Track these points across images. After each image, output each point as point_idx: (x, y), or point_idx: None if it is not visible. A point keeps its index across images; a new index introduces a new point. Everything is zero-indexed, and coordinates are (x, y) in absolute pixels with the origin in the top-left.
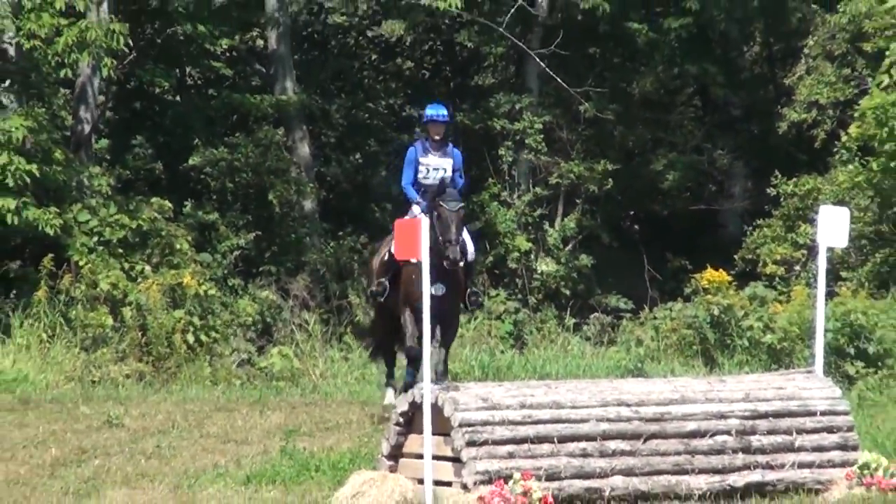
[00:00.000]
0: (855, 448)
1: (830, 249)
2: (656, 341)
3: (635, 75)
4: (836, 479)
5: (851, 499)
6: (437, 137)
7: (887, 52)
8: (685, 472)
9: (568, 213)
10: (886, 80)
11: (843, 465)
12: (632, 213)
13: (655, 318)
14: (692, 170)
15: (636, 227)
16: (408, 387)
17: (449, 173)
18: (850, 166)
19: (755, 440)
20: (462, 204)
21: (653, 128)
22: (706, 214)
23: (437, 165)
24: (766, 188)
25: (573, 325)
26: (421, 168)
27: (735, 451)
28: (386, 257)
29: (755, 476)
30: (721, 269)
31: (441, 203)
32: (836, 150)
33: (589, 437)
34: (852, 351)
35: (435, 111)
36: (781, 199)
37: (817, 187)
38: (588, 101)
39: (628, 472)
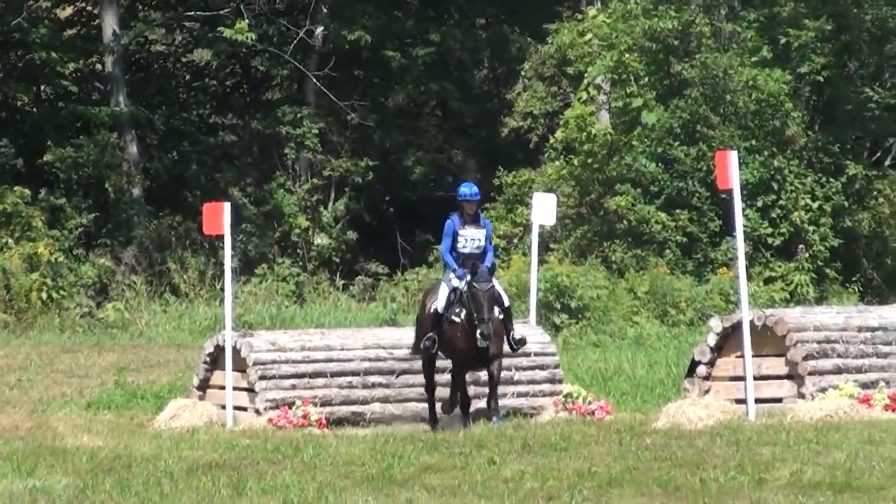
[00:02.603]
0: (560, 381)
1: (542, 226)
2: (407, 298)
3: (391, 92)
4: (546, 406)
5: (557, 420)
6: (470, 213)
7: (586, 75)
8: None
9: (338, 198)
10: (585, 96)
11: (552, 394)
12: (388, 198)
13: (406, 280)
14: (435, 165)
15: (391, 209)
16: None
17: (483, 242)
18: (557, 162)
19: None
20: (492, 283)
21: (404, 132)
22: (446, 199)
23: (473, 236)
24: (492, 179)
25: (342, 286)
26: (459, 239)
27: (468, 384)
28: (431, 310)
29: (483, 403)
30: None
31: (474, 284)
32: (545, 149)
33: (354, 373)
34: (558, 306)
35: (468, 190)
36: (503, 188)
37: (531, 179)
38: (354, 111)
39: (384, 400)
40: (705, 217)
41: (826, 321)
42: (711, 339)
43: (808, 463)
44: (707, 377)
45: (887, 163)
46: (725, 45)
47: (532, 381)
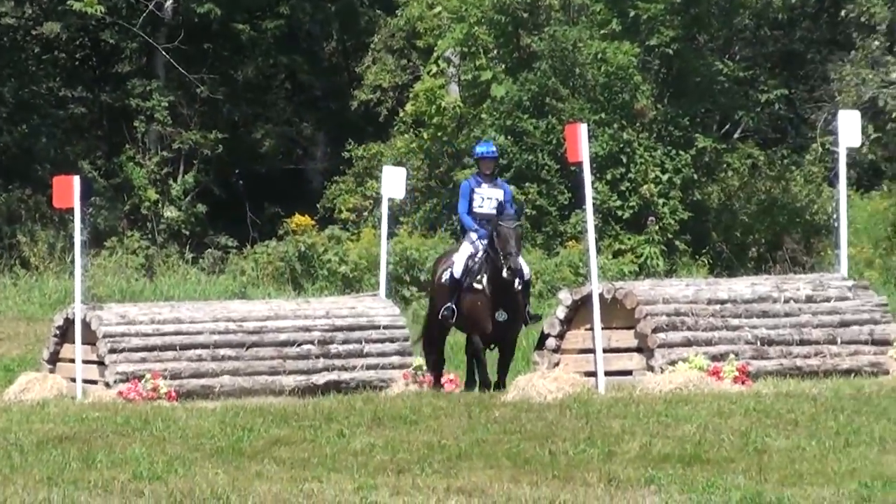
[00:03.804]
0: (410, 355)
1: (391, 200)
2: (256, 271)
3: (240, 64)
4: (396, 379)
5: (407, 393)
6: (487, 172)
7: (435, 48)
8: (279, 373)
9: (187, 171)
10: (435, 69)
11: (401, 367)
12: (237, 171)
13: (256, 252)
14: (284, 138)
15: (241, 182)
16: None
17: (501, 201)
18: (406, 135)
19: (333, 348)
20: (519, 223)
21: (254, 105)
22: (295, 172)
23: (489, 195)
24: (342, 152)
25: (191, 259)
26: (475, 198)
27: (318, 357)
28: (444, 279)
29: (333, 376)
30: (306, 215)
31: (500, 222)
32: (395, 123)
33: (204, 346)
34: (408, 279)
35: (485, 148)
36: (353, 161)
37: (381, 152)
38: (203, 84)
39: (234, 373)
40: (555, 190)
41: (675, 294)
42: (561, 312)
43: (658, 436)
44: (556, 350)
45: (736, 135)
46: (575, 18)
47: (382, 354)
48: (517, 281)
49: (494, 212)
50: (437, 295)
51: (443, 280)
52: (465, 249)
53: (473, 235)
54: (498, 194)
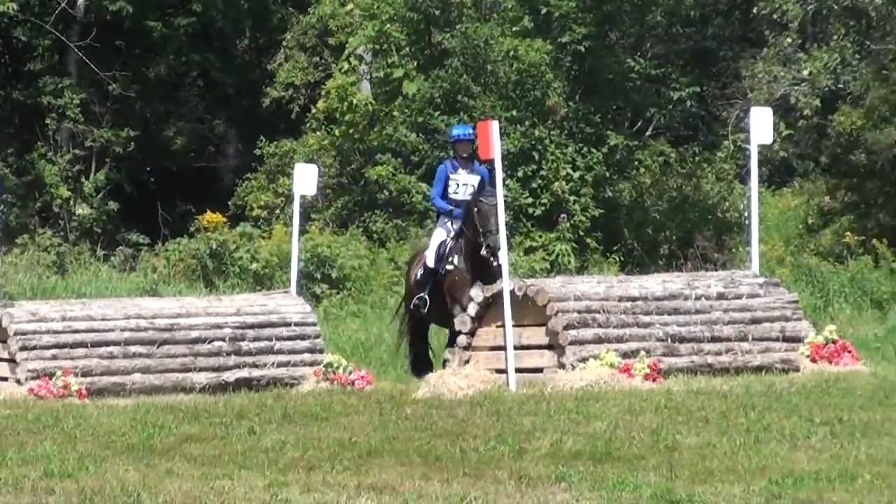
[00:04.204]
0: (321, 351)
1: (303, 197)
2: (168, 268)
3: (152, 62)
4: (307, 375)
5: (319, 390)
6: (464, 155)
7: (347, 45)
8: (190, 370)
9: (99, 168)
10: (346, 66)
11: (313, 364)
12: (149, 168)
13: (167, 250)
14: (196, 135)
15: (152, 179)
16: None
17: (476, 188)
18: (318, 133)
19: (244, 345)
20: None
21: (166, 103)
22: (207, 170)
23: (466, 181)
24: (254, 150)
25: (103, 256)
26: (451, 184)
27: (228, 354)
28: (419, 276)
29: (244, 373)
30: (218, 213)
31: (481, 199)
32: (307, 120)
33: (115, 343)
34: (319, 276)
35: (461, 131)
36: (265, 158)
37: (293, 149)
38: (115, 82)
39: (146, 371)
40: None
41: (587, 291)
42: (472, 309)
43: (569, 433)
44: (467, 347)
45: (648, 133)
46: (486, 15)
47: (293, 351)
48: (493, 260)
49: (470, 198)
50: (412, 292)
51: (417, 277)
52: (437, 236)
53: (446, 218)
54: (475, 180)
